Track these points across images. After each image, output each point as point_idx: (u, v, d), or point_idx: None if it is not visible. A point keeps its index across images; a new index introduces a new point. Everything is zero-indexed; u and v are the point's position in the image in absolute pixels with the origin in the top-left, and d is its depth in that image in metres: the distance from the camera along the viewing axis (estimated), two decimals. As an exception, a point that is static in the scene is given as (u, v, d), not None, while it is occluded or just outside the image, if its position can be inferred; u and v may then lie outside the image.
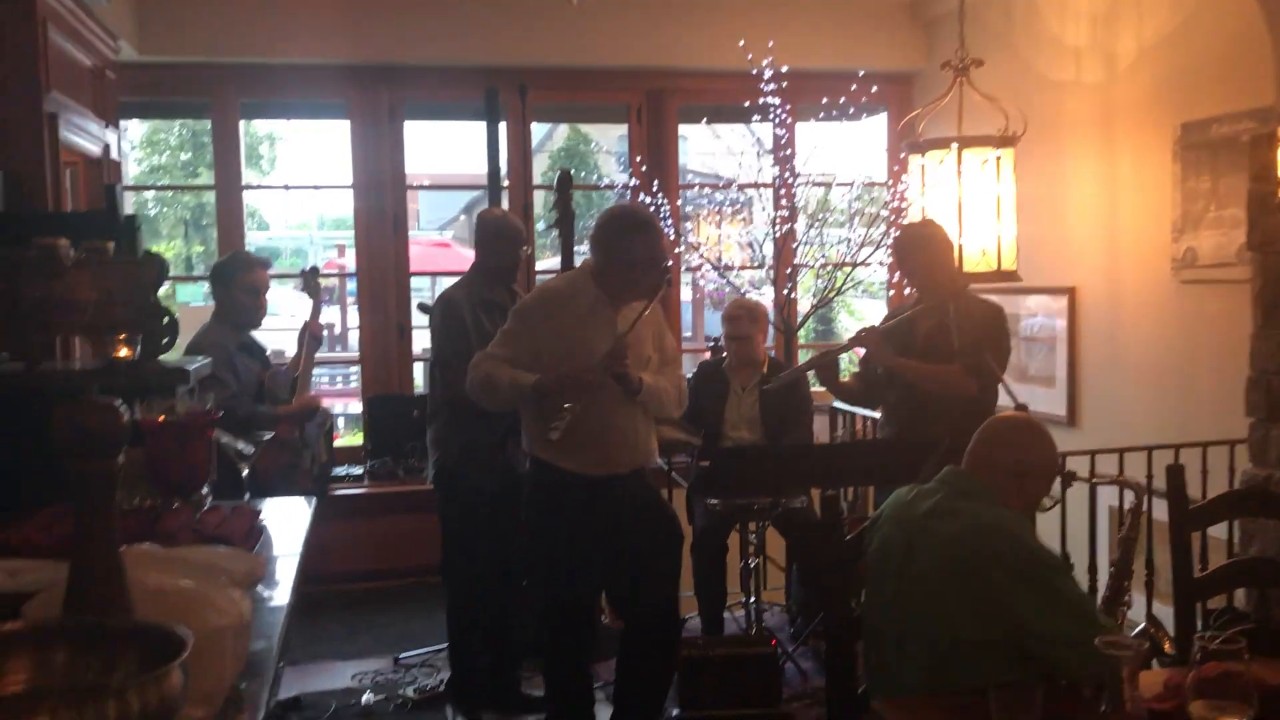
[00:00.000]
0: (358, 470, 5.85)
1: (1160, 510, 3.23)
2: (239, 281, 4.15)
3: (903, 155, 5.37)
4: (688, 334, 11.31)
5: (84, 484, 1.18)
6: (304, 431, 4.14)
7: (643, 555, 3.40)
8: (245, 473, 2.75)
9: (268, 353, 4.31)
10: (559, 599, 3.34)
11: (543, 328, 3.28)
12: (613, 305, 3.32)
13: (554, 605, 3.36)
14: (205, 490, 2.43)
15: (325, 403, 4.56)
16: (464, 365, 3.98)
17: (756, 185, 5.63)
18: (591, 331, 3.28)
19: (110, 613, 1.19)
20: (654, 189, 5.65)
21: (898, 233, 4.06)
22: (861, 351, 4.04)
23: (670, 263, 3.43)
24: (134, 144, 12.01)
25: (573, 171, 5.00)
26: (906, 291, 5.57)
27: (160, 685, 0.95)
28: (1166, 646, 2.93)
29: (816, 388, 6.60)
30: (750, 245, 5.57)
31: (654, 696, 3.57)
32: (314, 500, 2.86)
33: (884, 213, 5.57)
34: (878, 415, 5.08)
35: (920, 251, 3.76)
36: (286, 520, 2.66)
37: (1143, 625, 3.34)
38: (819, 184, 5.69)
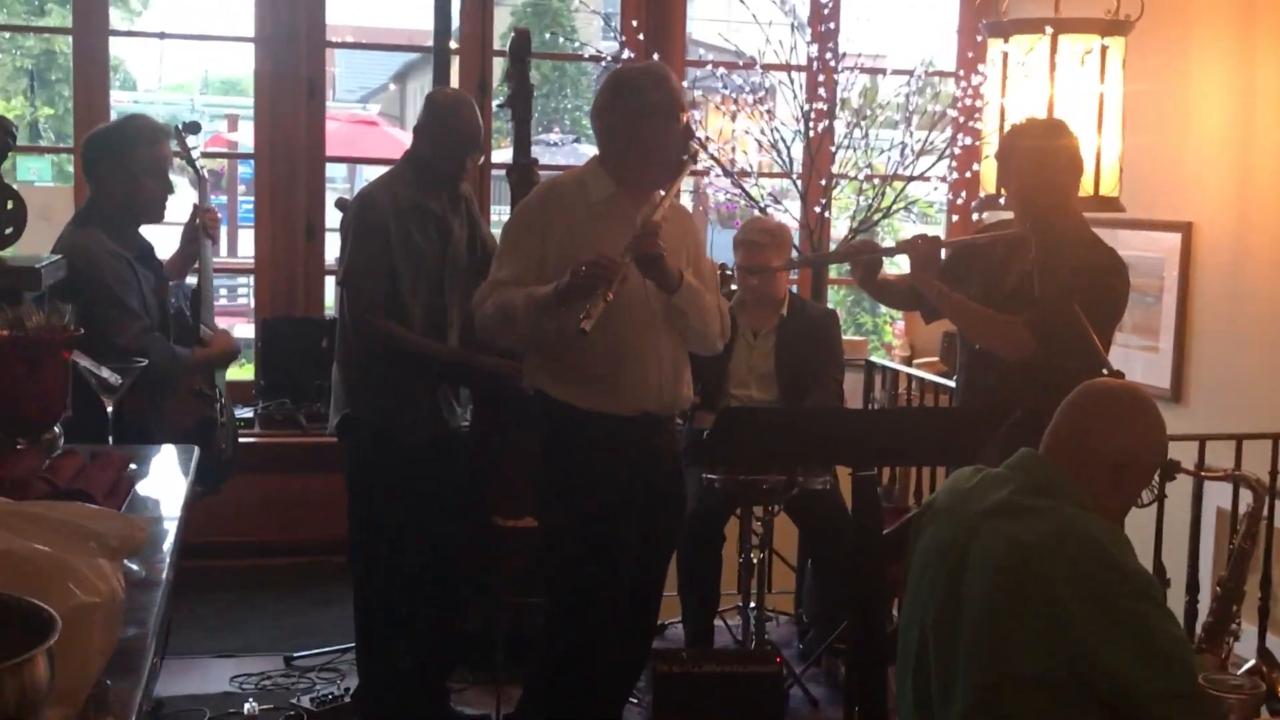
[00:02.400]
0: (246, 413, 5.86)
1: (1284, 516, 3.29)
2: (139, 159, 3.80)
3: (979, 39, 5.37)
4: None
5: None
6: (214, 378, 4.10)
7: (647, 532, 3.49)
8: (110, 408, 2.74)
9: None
10: (578, 573, 3.40)
11: (547, 230, 3.38)
12: (631, 198, 3.42)
13: (573, 582, 3.42)
14: (57, 430, 2.43)
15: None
16: (377, 289, 4.00)
17: (787, 67, 5.60)
18: (607, 229, 3.37)
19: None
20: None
21: (1011, 127, 4.03)
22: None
23: (695, 134, 3.55)
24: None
25: (547, 38, 4.97)
26: (976, 216, 5.63)
27: (20, 677, 0.97)
28: (1281, 690, 3.01)
29: (850, 336, 6.66)
30: (774, 146, 5.56)
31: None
32: (196, 451, 2.87)
33: (951, 112, 5.56)
34: (944, 381, 5.11)
35: (1027, 159, 3.73)
36: (161, 473, 2.68)
37: (1253, 662, 3.42)
38: (868, 70, 5.66)
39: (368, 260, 3.98)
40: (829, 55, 5.58)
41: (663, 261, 3.29)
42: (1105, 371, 3.38)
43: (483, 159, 4.26)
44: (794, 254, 5.00)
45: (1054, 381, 3.60)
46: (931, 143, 5.53)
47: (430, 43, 5.36)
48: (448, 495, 4.20)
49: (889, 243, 4.90)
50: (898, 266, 5.28)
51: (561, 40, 9.31)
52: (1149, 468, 2.42)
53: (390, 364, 4.03)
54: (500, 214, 6.35)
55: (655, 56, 5.59)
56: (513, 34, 4.60)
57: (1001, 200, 3.97)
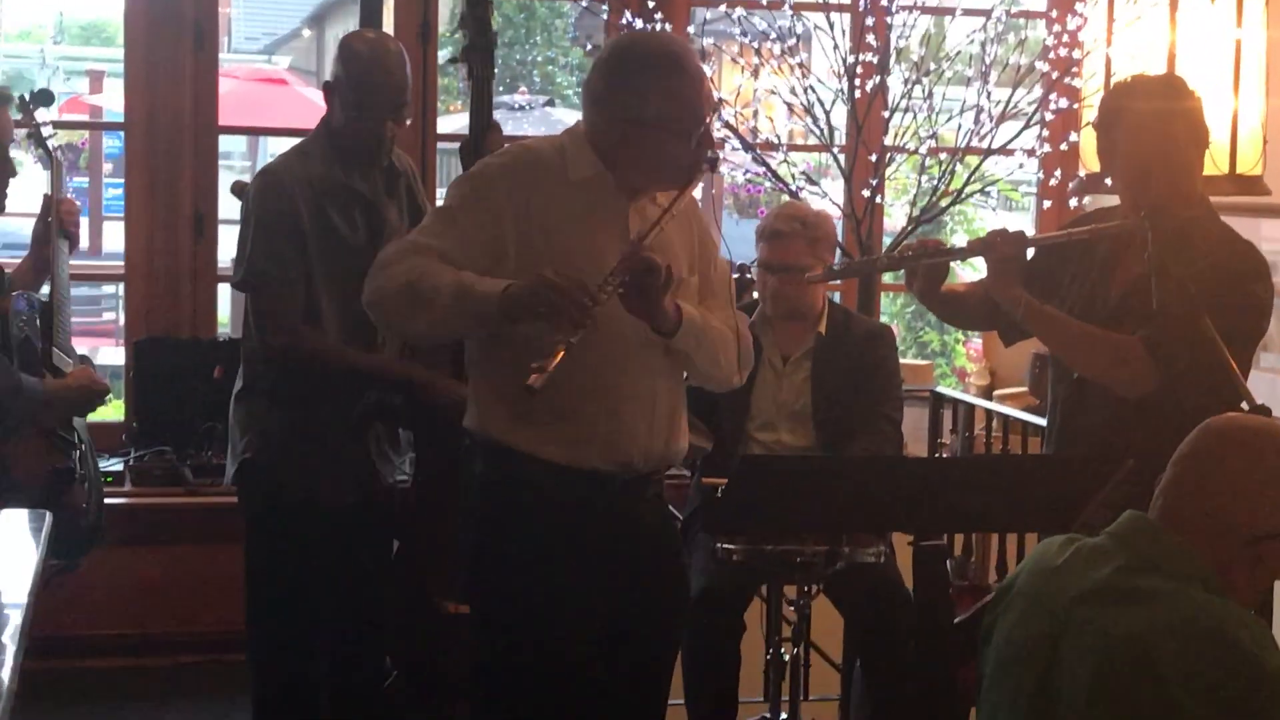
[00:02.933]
0: (114, 465, 5.87)
1: None
2: None
3: (1077, -31, 5.41)
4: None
5: None
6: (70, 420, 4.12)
7: (631, 629, 3.47)
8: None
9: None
10: (522, 688, 3.40)
11: (509, 203, 3.32)
12: (622, 191, 3.41)
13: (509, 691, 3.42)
14: None
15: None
16: (293, 293, 4.02)
17: (824, 7, 5.63)
18: (586, 218, 3.36)
19: None
20: (649, 5, 5.65)
21: (1113, 87, 4.04)
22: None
23: (716, 143, 3.46)
24: None
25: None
26: (1074, 202, 5.64)
27: None
28: None
29: (911, 359, 6.68)
30: (809, 110, 5.58)
31: None
32: (49, 516, 2.89)
33: (1041, 66, 5.58)
34: (1034, 419, 5.11)
35: (1138, 129, 3.74)
36: (1, 543, 2.69)
37: None
38: (931, 10, 5.68)
39: (276, 255, 4.00)
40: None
41: (655, 299, 3.23)
42: (1245, 406, 3.40)
43: (410, 121, 4.26)
44: (837, 254, 5.02)
45: (1178, 421, 3.61)
46: (1016, 105, 5.56)
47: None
48: (379, 572, 4.23)
49: (959, 240, 4.90)
50: (976, 270, 5.30)
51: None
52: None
53: (310, 396, 4.06)
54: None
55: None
56: (467, -27, 4.58)
57: (1107, 182, 3.98)
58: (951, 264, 3.98)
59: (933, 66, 5.59)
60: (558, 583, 3.36)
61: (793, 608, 4.51)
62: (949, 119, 5.65)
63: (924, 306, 4.17)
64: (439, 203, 4.07)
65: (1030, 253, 3.89)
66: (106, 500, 5.63)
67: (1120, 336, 3.67)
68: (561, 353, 3.06)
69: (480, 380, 3.44)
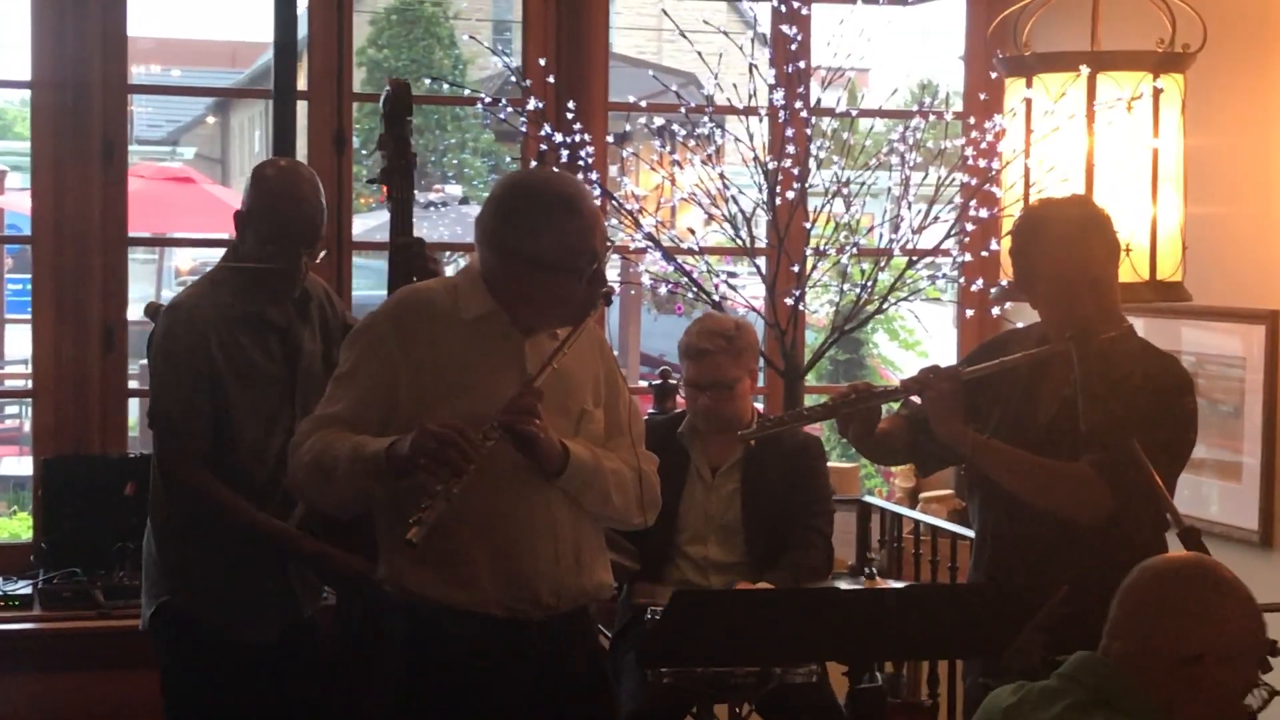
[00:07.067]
0: (22, 588, 5.79)
1: None
2: None
3: (994, 75, 5.50)
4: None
5: None
6: None
7: None
8: None
9: None
10: None
11: (402, 351, 3.36)
12: (517, 328, 3.44)
13: None
14: None
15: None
16: (196, 431, 4.03)
17: (743, 112, 5.70)
18: (483, 356, 3.40)
19: None
20: (567, 113, 5.68)
21: (1022, 214, 4.12)
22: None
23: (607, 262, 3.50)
24: None
25: (418, 73, 4.98)
26: (996, 311, 5.70)
27: None
28: None
29: (838, 461, 6.71)
30: (730, 220, 5.62)
31: None
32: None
33: (960, 177, 5.65)
34: (961, 530, 5.17)
35: (1059, 255, 3.81)
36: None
37: None
38: (845, 113, 5.75)
39: (182, 399, 4.02)
40: (800, 93, 5.68)
41: (535, 442, 3.28)
42: (1176, 527, 3.46)
43: (325, 253, 4.28)
44: (759, 360, 5.06)
45: (1113, 540, 3.67)
46: (935, 216, 5.64)
47: (270, 75, 5.34)
48: (303, 708, 4.22)
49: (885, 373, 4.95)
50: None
51: (437, 58, 9.41)
52: (1234, 660, 2.48)
53: (215, 536, 4.06)
54: (364, 298, 6.30)
55: (571, 105, 5.65)
56: (387, 88, 4.55)
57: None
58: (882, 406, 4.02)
59: (851, 176, 5.64)
60: None
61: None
62: (869, 229, 5.71)
63: (858, 451, 4.21)
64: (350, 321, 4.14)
65: None
66: (13, 625, 5.60)
67: (1070, 465, 3.72)
68: (445, 503, 3.11)
69: (383, 531, 3.46)
